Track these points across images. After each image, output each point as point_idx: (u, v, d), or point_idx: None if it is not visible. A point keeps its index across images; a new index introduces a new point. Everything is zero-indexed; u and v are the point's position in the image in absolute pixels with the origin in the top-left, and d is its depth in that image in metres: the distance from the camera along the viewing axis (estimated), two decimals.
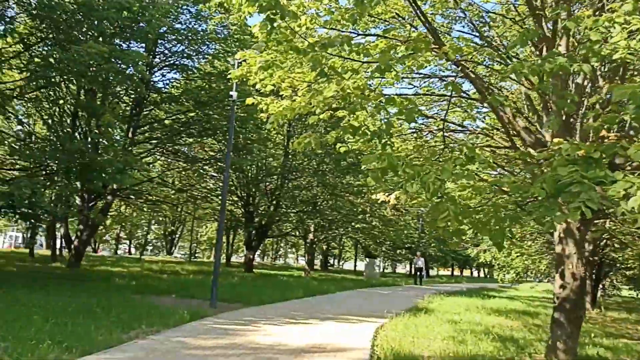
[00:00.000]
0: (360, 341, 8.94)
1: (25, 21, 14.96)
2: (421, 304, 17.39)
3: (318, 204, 31.67)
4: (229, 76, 9.43)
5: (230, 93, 12.56)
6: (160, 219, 50.64)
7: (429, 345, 9.08)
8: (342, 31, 7.38)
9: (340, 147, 9.07)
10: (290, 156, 29.36)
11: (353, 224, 35.15)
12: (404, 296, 21.61)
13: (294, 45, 6.44)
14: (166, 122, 22.46)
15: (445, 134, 9.01)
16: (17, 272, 17.44)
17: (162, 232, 56.39)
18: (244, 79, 8.60)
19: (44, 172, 14.68)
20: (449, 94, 8.37)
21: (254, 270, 31.13)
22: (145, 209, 39.33)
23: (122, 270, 21.91)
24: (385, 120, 6.56)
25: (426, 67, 8.59)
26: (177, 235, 55.96)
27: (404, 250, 50.07)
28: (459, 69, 7.72)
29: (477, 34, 10.91)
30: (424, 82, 13.18)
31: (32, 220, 13.55)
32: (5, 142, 15.97)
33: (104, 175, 13.54)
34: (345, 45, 6.23)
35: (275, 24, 5.96)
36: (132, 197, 26.56)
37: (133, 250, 62.36)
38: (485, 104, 10.71)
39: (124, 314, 8.98)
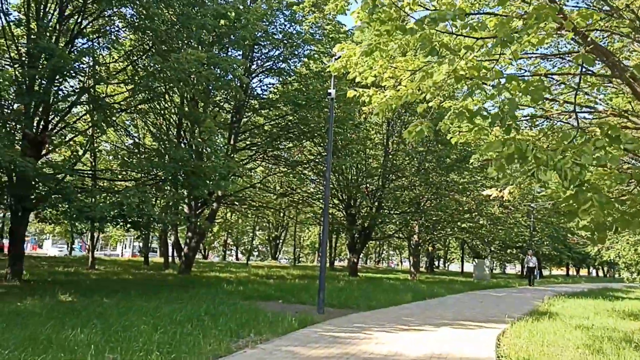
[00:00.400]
0: (483, 350, 8.11)
1: (130, 37, 15.50)
2: (542, 307, 16.04)
3: (422, 204, 30.66)
4: (326, 71, 9.01)
5: (329, 91, 12.16)
6: (264, 224, 51.66)
7: (560, 355, 8.08)
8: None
9: (450, 137, 8.36)
10: (390, 156, 28.62)
11: (459, 223, 33.73)
12: (520, 298, 20.20)
13: (399, 24, 5.83)
14: (265, 127, 22.60)
15: (572, 116, 8.02)
16: (132, 280, 18.12)
17: (267, 237, 57.52)
18: (343, 73, 8.13)
19: (152, 182, 15.10)
20: (572, 72, 7.40)
21: (358, 273, 30.68)
22: (249, 215, 40.19)
23: (230, 276, 22.22)
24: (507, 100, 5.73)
25: (546, 43, 7.69)
26: (281, 240, 56.84)
27: (515, 249, 47.52)
28: (586, 39, 6.75)
29: (598, 7, 9.74)
30: (534, 67, 12.11)
31: (142, 229, 13.92)
32: (118, 155, 16.63)
33: (208, 181, 13.66)
34: (457, 21, 5.56)
35: (377, 2, 5.42)
36: (236, 203, 27.05)
37: (240, 255, 64.18)
38: (614, 82, 9.53)
39: (232, 321, 8.77)
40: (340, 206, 31.27)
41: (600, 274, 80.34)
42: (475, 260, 41.49)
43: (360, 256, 39.32)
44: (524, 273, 43.70)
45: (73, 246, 54.42)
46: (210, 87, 15.33)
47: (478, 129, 7.60)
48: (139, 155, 14.87)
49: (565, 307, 15.85)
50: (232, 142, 20.95)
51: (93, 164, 21.86)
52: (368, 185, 29.91)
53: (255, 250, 68.89)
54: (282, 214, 42.77)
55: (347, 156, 23.05)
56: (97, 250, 67.11)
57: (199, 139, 17.01)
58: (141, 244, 50.57)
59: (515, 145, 5.07)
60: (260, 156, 24.13)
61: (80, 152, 13.94)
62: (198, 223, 18.31)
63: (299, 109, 19.75)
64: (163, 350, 6.21)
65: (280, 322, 9.14)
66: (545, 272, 60.46)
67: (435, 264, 60.63)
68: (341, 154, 22.91)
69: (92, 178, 18.14)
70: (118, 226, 14.96)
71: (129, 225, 13.69)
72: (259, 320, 9.21)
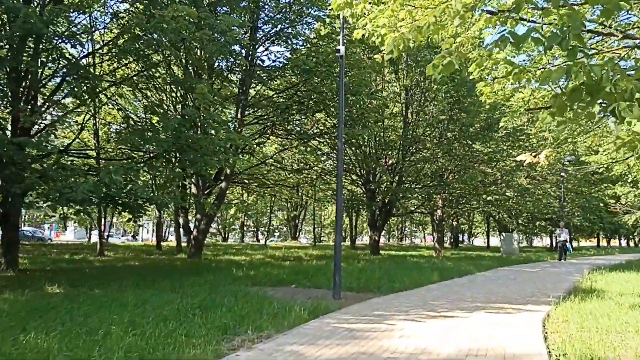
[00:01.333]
0: (528, 340, 6.71)
1: (127, 9, 14.10)
2: (583, 283, 14.54)
3: (444, 176, 29.09)
4: (336, 31, 7.57)
5: (337, 48, 10.69)
6: (282, 203, 50.57)
7: (622, 344, 6.65)
8: None
9: (482, 87, 6.88)
10: (410, 126, 26.99)
11: (484, 196, 32.10)
12: (557, 274, 18.71)
13: None
14: (274, 99, 21.19)
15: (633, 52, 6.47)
16: (138, 266, 17.03)
17: (285, 217, 56.58)
18: (352, 20, 6.75)
19: (147, 158, 13.79)
20: None
21: (380, 251, 29.41)
22: (264, 194, 39.09)
23: (245, 259, 21.08)
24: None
25: None
26: (300, 220, 55.79)
27: (544, 221, 45.67)
28: None
29: None
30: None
31: (134, 211, 12.69)
32: (111, 132, 15.40)
33: (207, 157, 12.29)
34: None
35: None
36: (245, 181, 25.84)
37: (261, 237, 63.44)
38: None
39: (229, 314, 7.46)
40: (359, 182, 29.83)
41: (632, 244, 78.08)
42: (503, 234, 39.86)
43: (382, 233, 37.89)
44: (554, 246, 42.00)
45: (92, 232, 54.04)
46: (207, 52, 13.82)
47: (518, 71, 6.11)
48: (126, 130, 13.49)
49: (609, 283, 14.31)
50: (239, 115, 19.57)
51: (97, 144, 20.71)
52: (387, 158, 28.38)
53: (276, 230, 68.08)
54: (298, 192, 41.47)
55: (363, 127, 21.44)
56: (120, 236, 67.04)
57: (203, 115, 15.66)
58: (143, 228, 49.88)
59: (585, 72, 3.61)
60: (269, 130, 22.70)
61: (58, 130, 12.63)
62: (204, 205, 17.01)
63: (308, 76, 18.22)
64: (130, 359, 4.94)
65: (287, 313, 7.83)
66: (574, 244, 58.54)
67: (460, 238, 59.03)
68: (356, 124, 21.39)
69: (96, 159, 17.02)
70: (108, 208, 13.74)
71: (119, 208, 12.45)
72: (263, 311, 7.91)
